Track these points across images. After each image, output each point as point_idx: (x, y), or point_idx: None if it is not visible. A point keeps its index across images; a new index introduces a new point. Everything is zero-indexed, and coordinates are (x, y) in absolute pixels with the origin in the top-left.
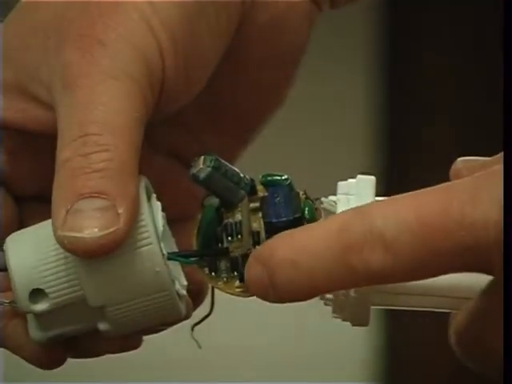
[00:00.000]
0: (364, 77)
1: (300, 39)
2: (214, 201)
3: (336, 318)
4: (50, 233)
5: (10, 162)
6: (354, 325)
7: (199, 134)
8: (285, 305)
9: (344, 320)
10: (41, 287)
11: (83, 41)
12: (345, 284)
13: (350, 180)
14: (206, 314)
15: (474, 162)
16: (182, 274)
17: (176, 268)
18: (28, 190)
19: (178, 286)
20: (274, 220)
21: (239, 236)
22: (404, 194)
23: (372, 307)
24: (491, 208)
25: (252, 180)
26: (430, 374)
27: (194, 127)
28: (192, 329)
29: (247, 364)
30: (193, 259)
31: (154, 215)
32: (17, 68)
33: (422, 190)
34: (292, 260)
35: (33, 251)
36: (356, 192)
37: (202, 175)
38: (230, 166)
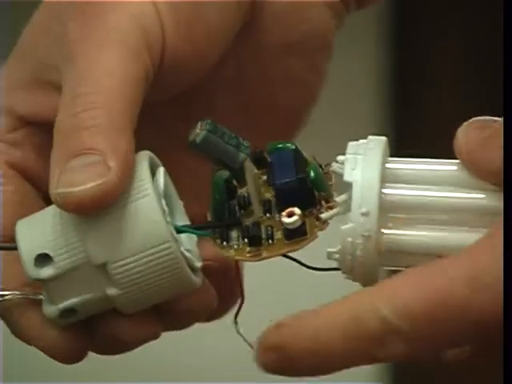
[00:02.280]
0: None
1: (321, 27)
2: (224, 173)
3: (347, 278)
4: (56, 211)
5: (39, 160)
6: (364, 285)
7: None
8: (285, 304)
9: (354, 280)
10: (46, 251)
11: (82, 15)
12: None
13: (362, 141)
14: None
15: (475, 134)
16: (196, 248)
17: (190, 242)
18: None
19: (187, 254)
20: (277, 182)
21: (251, 206)
22: (403, 276)
23: (382, 268)
24: (489, 295)
25: (261, 151)
26: (430, 373)
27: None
28: (235, 322)
29: (247, 364)
30: (204, 231)
31: (157, 178)
32: (33, 61)
33: (418, 270)
34: (311, 351)
35: (38, 222)
36: (364, 152)
37: (199, 139)
38: (227, 129)
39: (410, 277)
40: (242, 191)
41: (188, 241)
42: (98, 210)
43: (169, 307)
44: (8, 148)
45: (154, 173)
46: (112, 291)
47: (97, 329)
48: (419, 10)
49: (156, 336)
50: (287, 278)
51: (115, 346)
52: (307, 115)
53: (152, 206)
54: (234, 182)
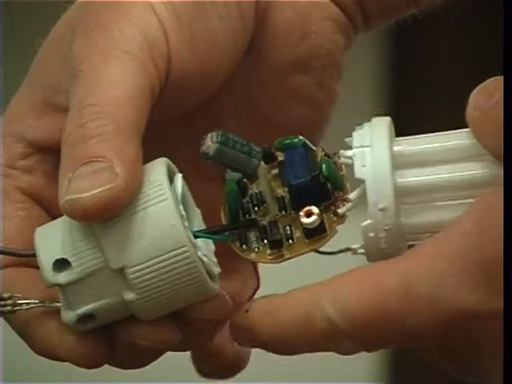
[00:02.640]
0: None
1: (327, 44)
2: (235, 174)
3: None
4: None
5: (51, 185)
6: None
7: None
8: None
9: None
10: (64, 257)
11: (86, 29)
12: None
13: (365, 126)
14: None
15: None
16: (213, 255)
17: (207, 246)
18: None
19: (205, 259)
20: (293, 182)
21: (265, 204)
22: (350, 275)
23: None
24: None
25: (269, 148)
26: (431, 373)
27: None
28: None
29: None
30: (222, 235)
31: (175, 184)
32: (43, 86)
33: (365, 269)
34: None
35: (56, 228)
36: (370, 143)
37: (212, 152)
38: (238, 137)
39: (356, 275)
40: (253, 189)
41: (205, 248)
42: (107, 217)
43: (182, 314)
44: (20, 174)
45: (171, 180)
46: (129, 296)
47: (116, 336)
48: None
49: (175, 343)
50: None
51: (135, 354)
52: (319, 134)
53: (170, 210)
54: (244, 180)
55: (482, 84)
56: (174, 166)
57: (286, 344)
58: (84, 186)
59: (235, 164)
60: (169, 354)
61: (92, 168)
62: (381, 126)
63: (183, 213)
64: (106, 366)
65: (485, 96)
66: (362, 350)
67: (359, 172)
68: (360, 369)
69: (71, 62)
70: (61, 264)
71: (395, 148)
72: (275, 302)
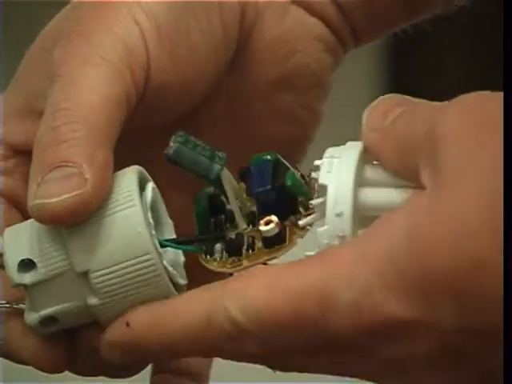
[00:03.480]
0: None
1: (312, 63)
2: (209, 190)
3: None
4: None
5: (26, 188)
6: None
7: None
8: None
9: None
10: (30, 257)
11: (69, 37)
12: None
13: (341, 146)
14: None
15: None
16: (182, 268)
17: (176, 257)
18: None
19: (170, 268)
20: (255, 191)
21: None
22: (257, 276)
23: None
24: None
25: (247, 167)
26: None
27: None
28: None
29: (246, 364)
30: (189, 246)
31: (145, 192)
32: (26, 90)
33: (274, 270)
34: (162, 349)
35: (24, 230)
36: (340, 155)
37: (171, 151)
38: (201, 141)
39: (263, 280)
40: (230, 207)
41: (174, 258)
42: (74, 222)
43: None
44: None
45: (144, 188)
46: (92, 301)
47: (77, 340)
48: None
49: None
50: None
51: (96, 360)
52: (301, 152)
53: (137, 217)
54: (223, 198)
55: (373, 103)
56: (147, 175)
57: (178, 351)
58: (53, 191)
59: (195, 167)
60: None
61: (62, 173)
62: (354, 145)
63: (151, 221)
64: None
65: (379, 116)
66: (266, 353)
67: (323, 177)
68: None
69: (51, 67)
70: (27, 265)
71: (367, 167)
72: (159, 312)
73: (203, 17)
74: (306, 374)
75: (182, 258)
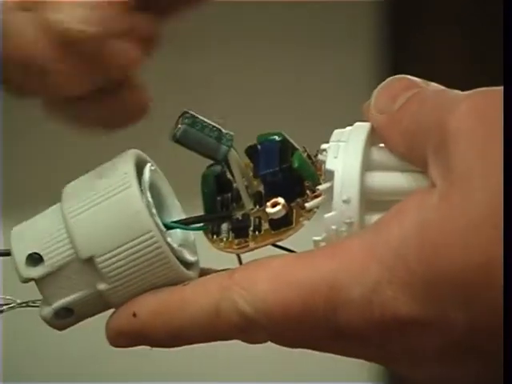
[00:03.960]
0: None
1: None
2: (215, 168)
3: None
4: (46, 213)
5: None
6: None
7: None
8: None
9: None
10: (36, 251)
11: None
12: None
13: (348, 128)
14: None
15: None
16: (193, 244)
17: (186, 237)
18: None
19: (175, 245)
20: (262, 172)
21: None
22: (264, 268)
23: None
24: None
25: (255, 145)
26: None
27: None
28: None
29: (246, 363)
30: (195, 226)
31: (144, 174)
32: None
33: (280, 262)
34: (170, 338)
35: (30, 226)
36: (347, 139)
37: (178, 133)
38: (209, 122)
39: (272, 272)
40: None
41: (183, 237)
42: None
43: None
44: None
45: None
46: (101, 286)
47: None
48: (417, 9)
49: None
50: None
51: None
52: None
53: (134, 197)
54: (229, 176)
55: (382, 84)
56: (145, 157)
57: (186, 339)
58: None
59: (203, 148)
60: (169, 353)
61: None
62: (360, 128)
63: (150, 199)
64: (106, 366)
65: (388, 99)
66: (277, 340)
67: (330, 163)
68: (359, 369)
69: None
70: (34, 259)
71: (374, 149)
72: (167, 300)
73: None
74: (306, 375)
75: (192, 237)
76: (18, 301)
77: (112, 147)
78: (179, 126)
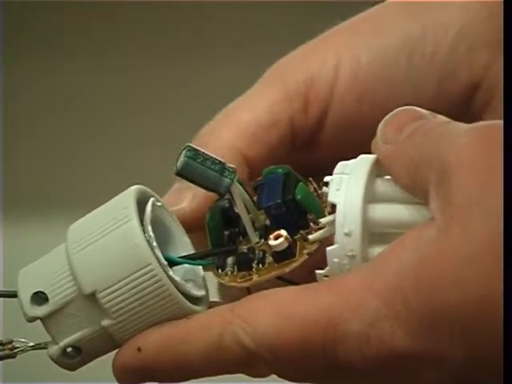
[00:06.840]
0: None
1: None
2: (222, 203)
3: None
4: (52, 252)
5: None
6: None
7: None
8: None
9: None
10: (40, 289)
11: None
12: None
13: (352, 160)
14: None
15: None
16: (201, 279)
17: (194, 273)
18: None
19: (177, 278)
20: (264, 204)
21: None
22: (266, 301)
23: None
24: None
25: (261, 180)
26: None
27: None
28: None
29: None
30: (200, 261)
31: (146, 208)
32: None
33: (281, 296)
34: (174, 373)
35: (36, 266)
36: (350, 171)
37: (179, 166)
38: (211, 155)
39: (273, 305)
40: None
41: (191, 272)
42: None
43: None
44: None
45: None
46: (106, 322)
47: None
48: None
49: None
50: None
51: None
52: None
53: (134, 230)
54: (236, 210)
55: (390, 114)
56: (150, 192)
57: (191, 372)
58: None
59: (205, 182)
60: None
61: None
62: (364, 159)
63: (151, 234)
64: (106, 366)
65: (394, 130)
66: (280, 374)
67: (332, 195)
68: None
69: None
70: (40, 298)
71: (378, 182)
72: (171, 335)
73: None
74: None
75: (201, 272)
76: (31, 343)
77: (113, 150)
78: (181, 159)
